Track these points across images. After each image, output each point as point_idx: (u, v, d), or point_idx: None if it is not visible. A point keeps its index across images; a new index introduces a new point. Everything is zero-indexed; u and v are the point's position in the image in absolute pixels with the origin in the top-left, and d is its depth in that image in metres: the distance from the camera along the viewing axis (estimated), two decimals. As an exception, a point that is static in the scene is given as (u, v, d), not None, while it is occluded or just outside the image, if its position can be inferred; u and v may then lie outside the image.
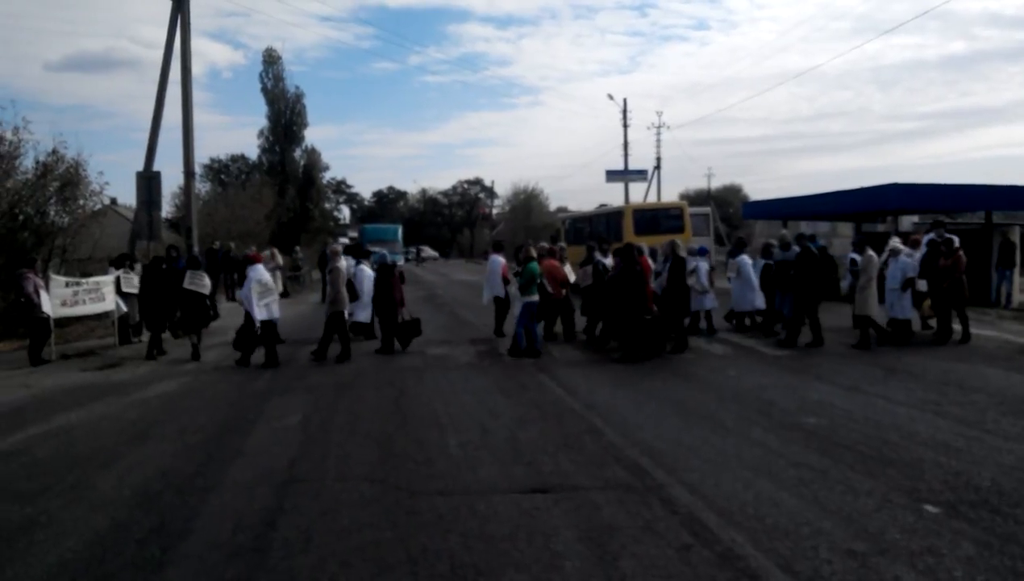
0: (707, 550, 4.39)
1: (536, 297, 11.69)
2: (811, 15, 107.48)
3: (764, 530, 4.67)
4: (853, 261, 12.14)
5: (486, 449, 6.56)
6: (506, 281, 13.41)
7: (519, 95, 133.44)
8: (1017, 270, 15.75)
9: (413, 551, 4.38)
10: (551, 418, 7.63)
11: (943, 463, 5.83)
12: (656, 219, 21.38)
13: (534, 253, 11.99)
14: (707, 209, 27.67)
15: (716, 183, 64.31)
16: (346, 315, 11.96)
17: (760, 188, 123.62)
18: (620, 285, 11.13)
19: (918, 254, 12.06)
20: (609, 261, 13.06)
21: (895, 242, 12.06)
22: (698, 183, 74.32)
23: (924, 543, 4.44)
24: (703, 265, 12.84)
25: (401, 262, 35.57)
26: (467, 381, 9.74)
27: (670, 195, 50.51)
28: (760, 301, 13.23)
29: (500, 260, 13.78)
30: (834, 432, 6.84)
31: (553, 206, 71.90)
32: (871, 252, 11.51)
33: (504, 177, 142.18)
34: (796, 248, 11.98)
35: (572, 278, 13.40)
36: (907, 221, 26.28)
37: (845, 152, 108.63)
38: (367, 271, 13.25)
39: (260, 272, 11.47)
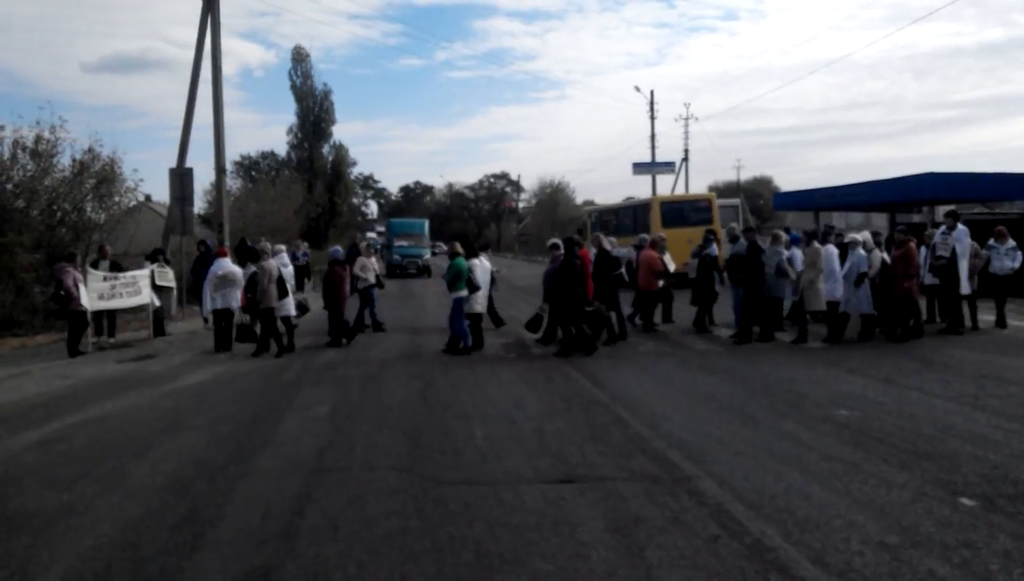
0: (736, 542, 4.33)
1: (464, 292, 11.39)
2: (842, 3, 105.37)
3: (795, 522, 4.60)
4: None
5: (512, 440, 6.55)
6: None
7: (545, 89, 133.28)
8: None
9: (439, 539, 4.39)
10: (577, 409, 7.60)
11: (980, 456, 5.68)
12: (683, 211, 21.10)
13: (460, 249, 11.79)
14: (736, 201, 27.28)
15: (746, 175, 63.63)
16: (281, 312, 11.94)
17: (791, 179, 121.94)
18: (559, 279, 10.99)
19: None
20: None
21: (855, 236, 11.57)
22: (727, 175, 73.59)
23: (960, 537, 4.33)
24: (797, 253, 12.34)
25: (428, 256, 35.82)
26: (493, 373, 9.75)
27: (699, 187, 49.94)
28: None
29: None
30: (867, 425, 6.71)
31: (580, 200, 71.69)
32: (816, 245, 11.14)
33: (530, 171, 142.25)
34: (744, 241, 11.69)
35: (672, 267, 13.65)
36: (939, 211, 25.69)
37: (879, 142, 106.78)
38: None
39: (221, 265, 12.16)
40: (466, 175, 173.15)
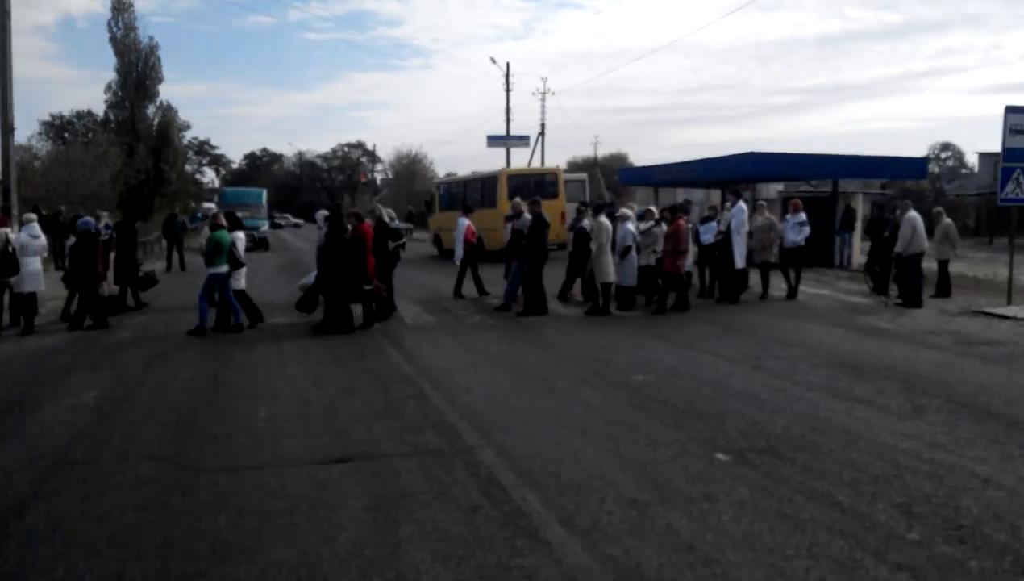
0: (495, 510, 4.41)
1: (224, 268, 10.73)
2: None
3: (558, 486, 4.76)
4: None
5: (299, 420, 6.34)
6: (469, 243, 14.08)
7: (409, 57, 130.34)
8: (857, 234, 17.02)
9: (173, 533, 4.14)
10: (380, 386, 7.50)
11: (745, 414, 6.16)
12: (531, 184, 21.56)
13: (223, 221, 11.17)
14: (583, 175, 28.11)
15: (604, 151, 66.02)
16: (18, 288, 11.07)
17: (647, 156, 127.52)
18: (327, 253, 10.75)
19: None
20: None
21: (624, 210, 12.29)
22: (586, 151, 76.11)
23: (705, 490, 4.65)
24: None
25: (265, 228, 34.15)
26: (302, 350, 9.43)
27: (557, 162, 51.06)
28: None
29: (466, 221, 14.37)
30: (656, 389, 7.10)
31: (442, 172, 71.20)
32: (603, 218, 11.62)
33: (393, 142, 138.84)
34: (528, 216, 11.95)
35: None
36: (773, 189, 27.84)
37: (730, 124, 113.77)
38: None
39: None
40: (319, 143, 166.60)
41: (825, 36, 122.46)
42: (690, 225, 12.36)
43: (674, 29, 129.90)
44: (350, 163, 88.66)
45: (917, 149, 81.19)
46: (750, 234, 12.42)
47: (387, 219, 12.21)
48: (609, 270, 11.51)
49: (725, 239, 12.00)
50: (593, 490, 4.71)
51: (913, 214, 11.76)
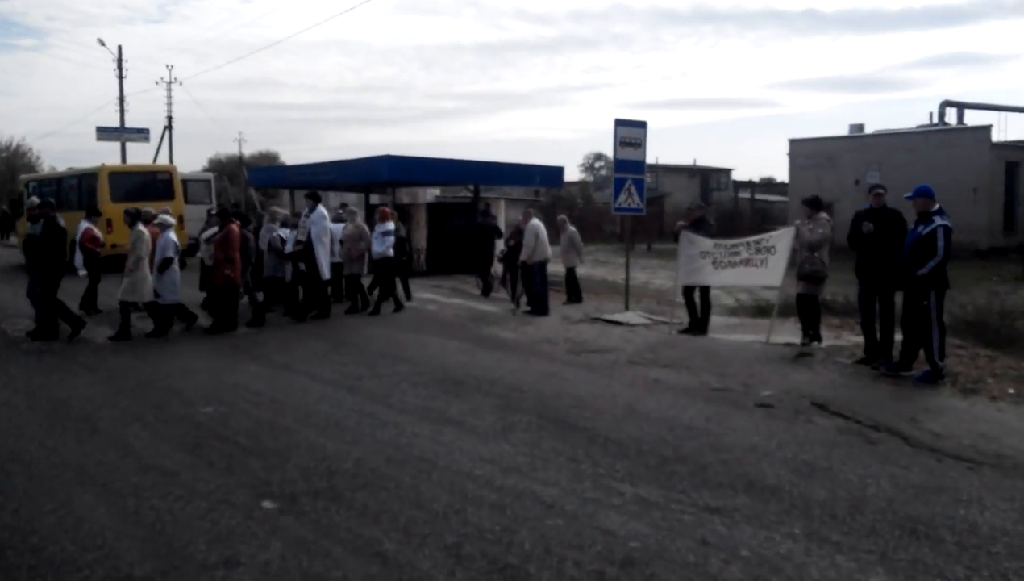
0: None
1: None
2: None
3: (33, 565, 3.42)
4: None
5: None
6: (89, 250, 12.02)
7: (20, 36, 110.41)
8: (499, 242, 17.66)
9: None
10: None
11: (318, 447, 5.42)
12: (139, 183, 18.99)
13: None
14: (209, 175, 26.08)
15: (253, 149, 62.62)
16: None
17: (302, 156, 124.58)
18: None
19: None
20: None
21: (164, 217, 10.81)
22: (232, 148, 71.71)
23: (228, 552, 3.81)
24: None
25: None
26: None
27: (198, 160, 46.94)
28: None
29: (85, 224, 12.39)
30: (224, 423, 6.05)
31: (58, 168, 61.14)
32: (141, 227, 10.29)
33: (4, 131, 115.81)
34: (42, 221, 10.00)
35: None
36: (430, 193, 28.20)
37: (392, 126, 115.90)
38: None
39: None
40: None
41: (484, 44, 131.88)
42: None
43: (330, 24, 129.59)
44: (-63, 154, 72.37)
45: (576, 157, 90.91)
46: (341, 243, 11.87)
47: None
48: (145, 289, 9.95)
49: (308, 249, 11.09)
50: (80, 567, 3.69)
51: (536, 222, 12.30)
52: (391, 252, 12.12)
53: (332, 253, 11.74)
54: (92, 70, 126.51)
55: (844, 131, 35.23)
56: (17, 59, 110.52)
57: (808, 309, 8.98)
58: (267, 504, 4.39)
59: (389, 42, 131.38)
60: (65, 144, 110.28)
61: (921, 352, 7.29)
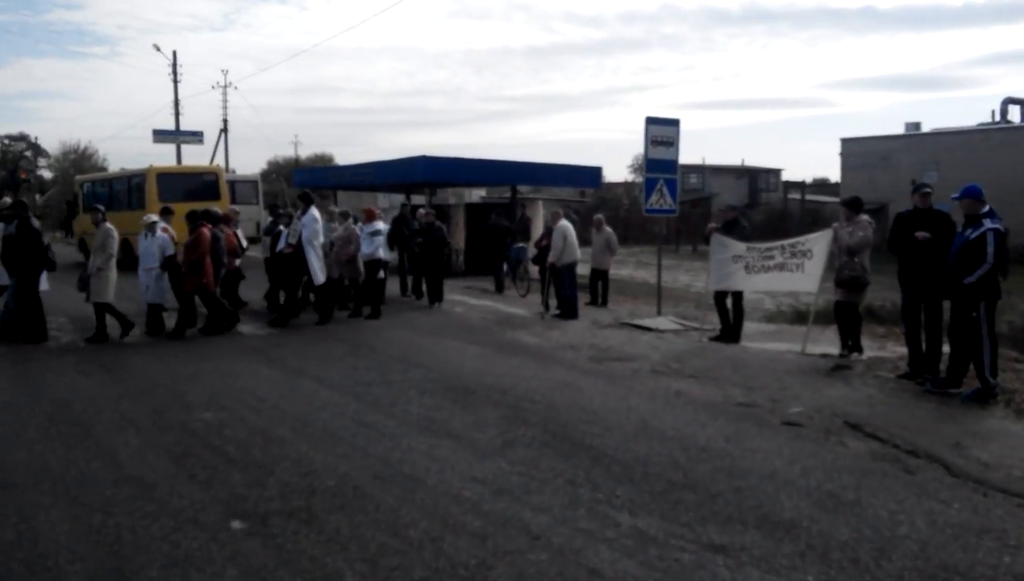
0: None
1: None
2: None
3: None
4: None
5: None
6: None
7: (92, 44, 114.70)
8: (531, 243, 17.25)
9: None
10: None
11: (305, 460, 5.08)
12: (186, 184, 19.27)
13: None
14: (256, 176, 26.57)
15: (309, 152, 63.87)
16: None
17: (355, 158, 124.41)
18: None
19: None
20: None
21: (151, 216, 10.66)
22: (289, 151, 73.27)
23: (186, 575, 3.41)
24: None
25: None
26: None
27: (256, 162, 47.76)
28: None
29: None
30: (218, 431, 5.79)
31: (119, 169, 63.21)
32: (108, 225, 9.97)
33: (74, 135, 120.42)
34: (16, 221, 9.78)
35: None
36: (475, 194, 27.95)
37: (443, 128, 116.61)
38: None
39: None
40: None
41: (534, 48, 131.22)
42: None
43: (383, 30, 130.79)
44: (12, 157, 76.18)
45: (625, 159, 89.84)
46: (331, 245, 11.52)
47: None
48: (106, 289, 9.67)
49: (299, 252, 10.75)
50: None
51: (564, 223, 11.79)
52: (380, 253, 11.68)
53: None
54: (156, 76, 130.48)
55: (900, 130, 33.75)
56: (89, 66, 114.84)
57: (847, 318, 8.29)
58: (236, 524, 4.06)
59: (441, 46, 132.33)
60: (129, 146, 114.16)
61: (972, 367, 6.61)
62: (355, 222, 11.92)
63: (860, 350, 8.27)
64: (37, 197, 70.51)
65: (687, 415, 6.13)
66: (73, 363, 8.38)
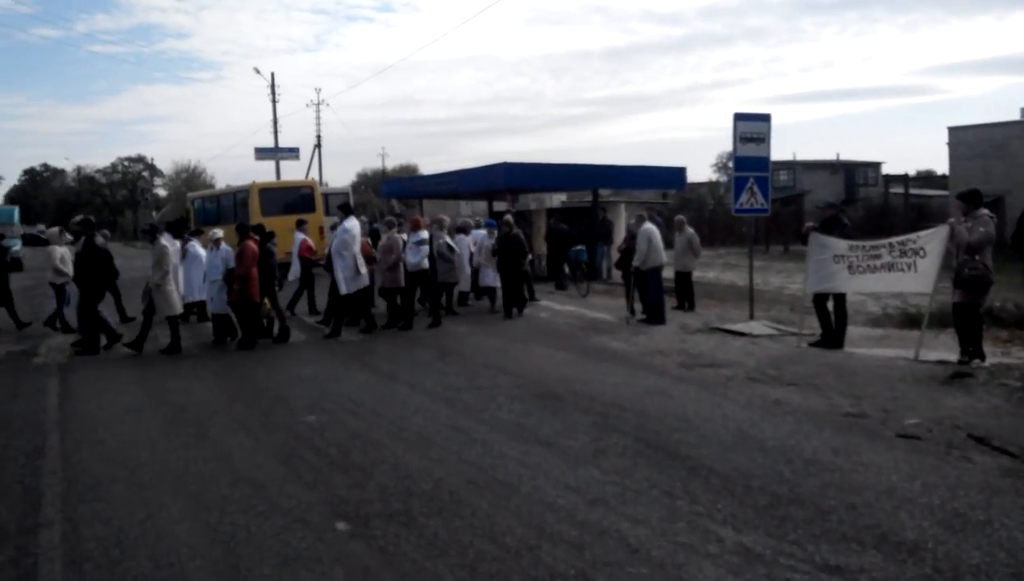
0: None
1: None
2: (489, 3, 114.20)
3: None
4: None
5: None
6: (305, 258, 12.90)
7: (199, 70, 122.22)
8: (614, 246, 17.04)
9: None
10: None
11: (402, 464, 5.14)
12: (284, 198, 20.20)
13: None
14: (348, 188, 27.89)
15: (395, 163, 65.98)
16: None
17: (439, 167, 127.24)
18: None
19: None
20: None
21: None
22: (376, 163, 75.92)
23: (288, 579, 3.52)
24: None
25: (17, 247, 30.12)
26: None
27: (347, 174, 49.34)
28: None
29: (301, 236, 13.07)
30: (321, 433, 5.96)
31: (225, 185, 66.89)
32: (161, 242, 9.95)
33: (185, 155, 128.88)
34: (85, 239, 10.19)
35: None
36: (556, 199, 27.92)
37: (523, 135, 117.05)
38: None
39: None
40: (103, 158, 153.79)
41: (613, 49, 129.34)
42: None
43: (463, 42, 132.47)
44: (131, 177, 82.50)
45: (708, 157, 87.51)
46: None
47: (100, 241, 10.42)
48: (173, 302, 9.94)
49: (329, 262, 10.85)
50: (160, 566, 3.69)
51: (648, 226, 11.53)
52: (426, 263, 11.37)
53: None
54: (256, 97, 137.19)
55: (1015, 116, 31.40)
56: (197, 90, 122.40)
57: (967, 321, 7.70)
58: (341, 525, 4.15)
59: (519, 53, 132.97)
60: (234, 165, 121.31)
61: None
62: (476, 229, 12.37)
63: (982, 356, 7.68)
64: (154, 213, 75.68)
65: (789, 425, 5.86)
66: (190, 369, 8.84)
